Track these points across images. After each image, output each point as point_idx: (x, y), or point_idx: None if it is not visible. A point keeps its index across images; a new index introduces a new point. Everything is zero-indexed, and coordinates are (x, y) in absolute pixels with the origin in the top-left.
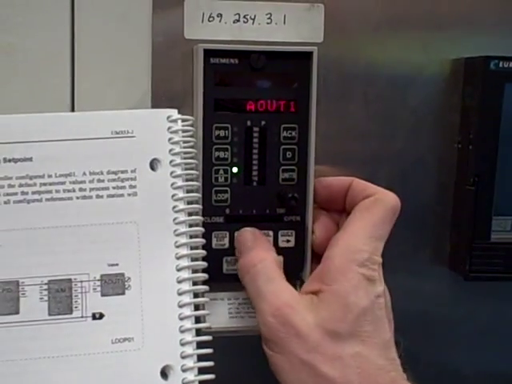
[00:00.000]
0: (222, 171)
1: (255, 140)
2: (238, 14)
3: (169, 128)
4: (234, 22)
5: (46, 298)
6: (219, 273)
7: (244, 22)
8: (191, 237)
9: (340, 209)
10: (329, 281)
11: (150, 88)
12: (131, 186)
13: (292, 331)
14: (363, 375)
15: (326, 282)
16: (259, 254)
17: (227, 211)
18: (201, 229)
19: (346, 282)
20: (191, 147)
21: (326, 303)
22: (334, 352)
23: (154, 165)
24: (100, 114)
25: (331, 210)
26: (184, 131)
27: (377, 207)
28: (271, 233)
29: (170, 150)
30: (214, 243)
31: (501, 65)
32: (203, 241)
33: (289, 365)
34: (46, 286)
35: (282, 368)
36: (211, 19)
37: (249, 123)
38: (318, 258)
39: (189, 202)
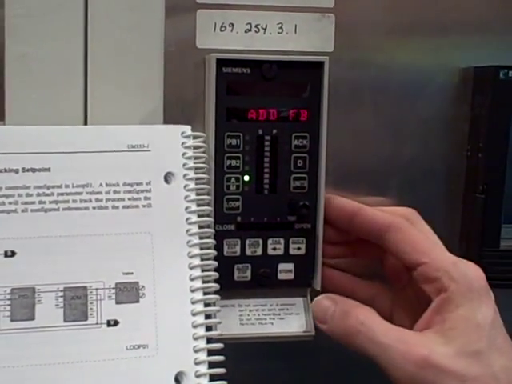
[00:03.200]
0: (233, 179)
1: (266, 148)
2: (250, 24)
3: (183, 143)
4: (245, 32)
5: (61, 304)
6: (230, 280)
7: (255, 31)
8: (203, 248)
9: (343, 228)
10: (452, 309)
11: (162, 97)
12: (146, 198)
13: (438, 370)
14: None
15: (449, 310)
16: (355, 311)
17: (239, 219)
18: (213, 241)
19: (469, 302)
20: (203, 163)
21: (458, 330)
22: (484, 372)
23: (168, 178)
24: (117, 128)
25: (335, 226)
26: (196, 147)
27: (412, 232)
28: (282, 240)
29: (184, 165)
30: (226, 251)
31: (510, 74)
32: (215, 252)
33: None
34: (61, 293)
35: None
36: (223, 29)
37: (260, 132)
38: None
39: (200, 215)
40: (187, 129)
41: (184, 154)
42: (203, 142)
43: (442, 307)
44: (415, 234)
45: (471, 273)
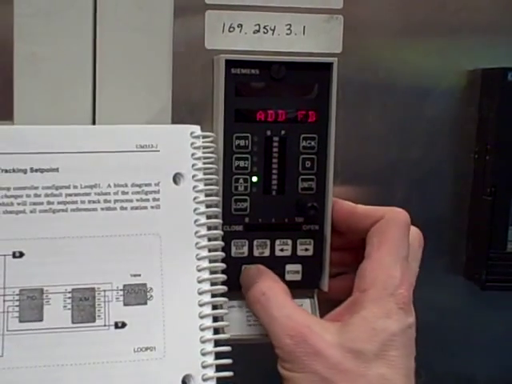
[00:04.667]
0: (241, 180)
1: (275, 149)
2: (258, 25)
3: (192, 143)
4: (254, 33)
5: (69, 306)
6: (238, 281)
7: (264, 32)
8: (211, 250)
9: (343, 230)
10: (358, 309)
11: (170, 97)
12: (154, 199)
13: (310, 350)
14: None
15: (355, 311)
16: (266, 283)
17: (246, 220)
18: (221, 243)
19: (376, 308)
20: (212, 163)
21: (352, 326)
22: (356, 370)
23: (177, 179)
24: (125, 127)
25: (335, 231)
26: (205, 147)
27: (392, 228)
28: (290, 241)
29: (193, 165)
30: (234, 251)
31: None
32: (223, 254)
33: (309, 383)
34: (69, 295)
35: None
36: (232, 30)
37: (269, 133)
38: None
39: (209, 217)
40: (196, 129)
41: (193, 154)
42: (212, 141)
43: (351, 306)
44: (396, 235)
45: (399, 291)
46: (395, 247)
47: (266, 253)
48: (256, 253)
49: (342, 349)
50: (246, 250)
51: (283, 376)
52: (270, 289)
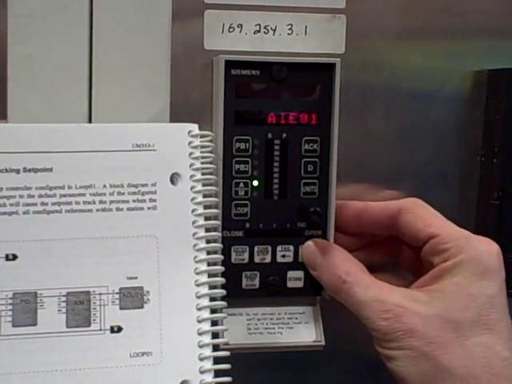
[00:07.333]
0: (242, 184)
1: (276, 153)
2: (259, 25)
3: (189, 143)
4: (254, 33)
5: (64, 309)
6: (238, 288)
7: (265, 32)
8: (209, 253)
9: (354, 230)
10: (448, 276)
11: (168, 99)
12: (151, 200)
13: (406, 328)
14: (487, 366)
15: (446, 278)
16: (341, 267)
17: (247, 225)
18: (219, 245)
19: (469, 272)
20: (210, 163)
21: (446, 294)
22: (455, 341)
23: (174, 179)
24: (121, 126)
25: (345, 233)
26: (203, 146)
27: (421, 206)
28: (292, 247)
29: (191, 165)
30: (234, 258)
31: None
32: (222, 257)
33: (409, 359)
34: (64, 298)
35: (402, 362)
36: (231, 30)
37: (270, 136)
38: None
39: (207, 218)
40: (194, 127)
41: (191, 153)
42: (210, 141)
43: (441, 273)
44: (425, 213)
45: (483, 247)
46: (443, 220)
47: (267, 259)
48: (257, 259)
49: (439, 320)
50: (246, 256)
51: (382, 354)
52: (348, 274)
